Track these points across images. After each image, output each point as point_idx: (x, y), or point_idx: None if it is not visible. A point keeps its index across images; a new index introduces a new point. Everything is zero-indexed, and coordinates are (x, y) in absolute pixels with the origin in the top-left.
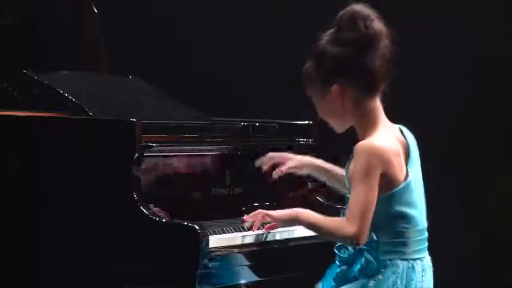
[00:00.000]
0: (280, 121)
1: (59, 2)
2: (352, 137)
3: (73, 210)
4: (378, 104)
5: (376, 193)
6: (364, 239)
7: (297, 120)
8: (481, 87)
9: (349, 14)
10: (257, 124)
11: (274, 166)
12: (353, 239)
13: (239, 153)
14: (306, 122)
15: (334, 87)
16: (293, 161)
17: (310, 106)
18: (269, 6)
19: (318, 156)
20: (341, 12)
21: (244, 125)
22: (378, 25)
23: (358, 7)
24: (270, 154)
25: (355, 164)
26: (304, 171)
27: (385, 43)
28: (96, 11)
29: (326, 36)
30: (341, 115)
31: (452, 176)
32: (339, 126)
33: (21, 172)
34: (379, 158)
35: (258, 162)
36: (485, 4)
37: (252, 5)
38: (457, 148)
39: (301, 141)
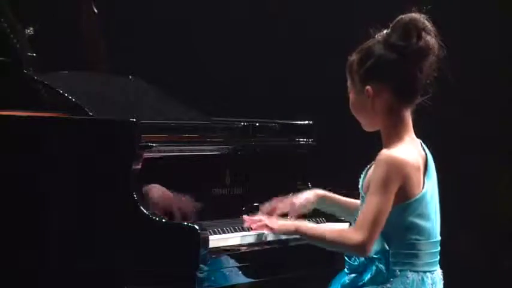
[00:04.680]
0: (280, 121)
1: (59, 2)
2: (352, 138)
3: (73, 210)
4: (408, 115)
5: (390, 206)
6: (370, 250)
7: (297, 120)
8: (483, 86)
9: (406, 21)
10: (257, 124)
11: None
12: (360, 249)
13: (239, 153)
14: (306, 122)
15: (368, 87)
16: (296, 207)
17: (310, 106)
18: (269, 6)
19: (318, 157)
20: (400, 17)
21: (244, 125)
22: (430, 40)
23: (417, 16)
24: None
25: (375, 173)
26: (310, 207)
27: (432, 59)
28: (96, 11)
29: (379, 35)
30: (370, 115)
31: (454, 177)
32: (366, 124)
33: (21, 172)
34: (399, 171)
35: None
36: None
37: (252, 5)
38: (458, 148)
39: (301, 141)
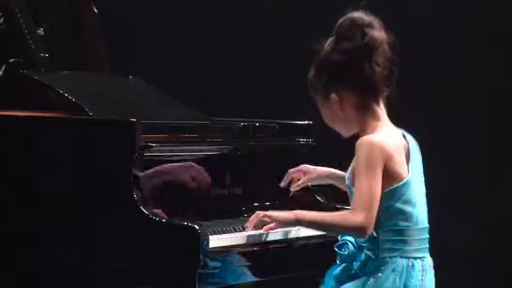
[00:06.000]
0: (280, 121)
1: (59, 2)
2: (352, 138)
3: (73, 210)
4: (380, 108)
5: (380, 184)
6: (371, 228)
7: (297, 120)
8: (487, 86)
9: (347, 23)
10: (257, 124)
11: (292, 180)
12: (361, 228)
13: (239, 153)
14: (306, 122)
15: (333, 95)
16: (309, 175)
17: (310, 106)
18: (269, 6)
19: (318, 157)
20: (340, 20)
21: (244, 125)
22: (376, 33)
23: (357, 15)
24: (291, 170)
25: (357, 158)
26: (318, 182)
27: (383, 50)
28: (96, 11)
29: (327, 44)
30: (344, 121)
31: (457, 174)
32: (343, 132)
33: (21, 172)
34: (380, 151)
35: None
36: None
37: (252, 5)
38: (462, 147)
39: (301, 141)
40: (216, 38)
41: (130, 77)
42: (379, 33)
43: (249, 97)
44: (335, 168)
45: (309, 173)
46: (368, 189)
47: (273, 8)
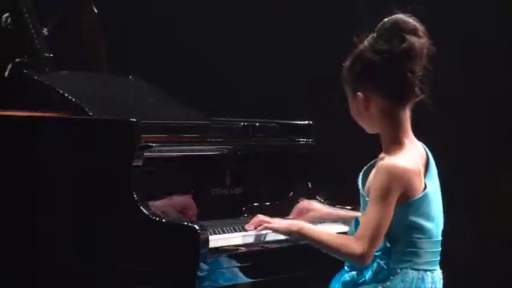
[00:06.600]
0: (280, 121)
1: (59, 2)
2: (352, 138)
3: (73, 210)
4: (406, 118)
5: (391, 216)
6: (369, 261)
7: (297, 120)
8: (484, 87)
9: (389, 23)
10: (257, 124)
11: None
12: (359, 259)
13: (239, 153)
14: (306, 122)
15: (359, 93)
16: (315, 213)
17: (310, 106)
18: (269, 6)
19: (318, 157)
20: (384, 19)
21: (244, 125)
22: (416, 41)
23: (402, 17)
24: (302, 204)
25: (376, 181)
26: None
27: (420, 59)
28: (96, 11)
29: (366, 40)
30: (367, 119)
31: (454, 176)
32: (367, 128)
33: (21, 172)
34: (400, 180)
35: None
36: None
37: (252, 5)
38: (459, 148)
39: (301, 141)
40: (216, 38)
41: (130, 77)
42: (420, 41)
43: (249, 97)
44: (335, 168)
45: (315, 211)
46: (376, 221)
47: (273, 8)
